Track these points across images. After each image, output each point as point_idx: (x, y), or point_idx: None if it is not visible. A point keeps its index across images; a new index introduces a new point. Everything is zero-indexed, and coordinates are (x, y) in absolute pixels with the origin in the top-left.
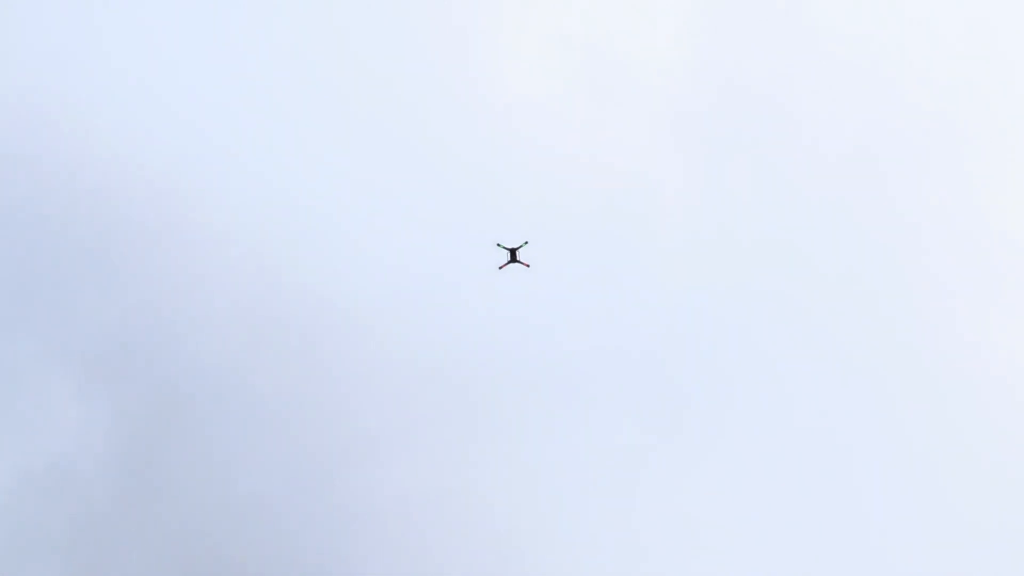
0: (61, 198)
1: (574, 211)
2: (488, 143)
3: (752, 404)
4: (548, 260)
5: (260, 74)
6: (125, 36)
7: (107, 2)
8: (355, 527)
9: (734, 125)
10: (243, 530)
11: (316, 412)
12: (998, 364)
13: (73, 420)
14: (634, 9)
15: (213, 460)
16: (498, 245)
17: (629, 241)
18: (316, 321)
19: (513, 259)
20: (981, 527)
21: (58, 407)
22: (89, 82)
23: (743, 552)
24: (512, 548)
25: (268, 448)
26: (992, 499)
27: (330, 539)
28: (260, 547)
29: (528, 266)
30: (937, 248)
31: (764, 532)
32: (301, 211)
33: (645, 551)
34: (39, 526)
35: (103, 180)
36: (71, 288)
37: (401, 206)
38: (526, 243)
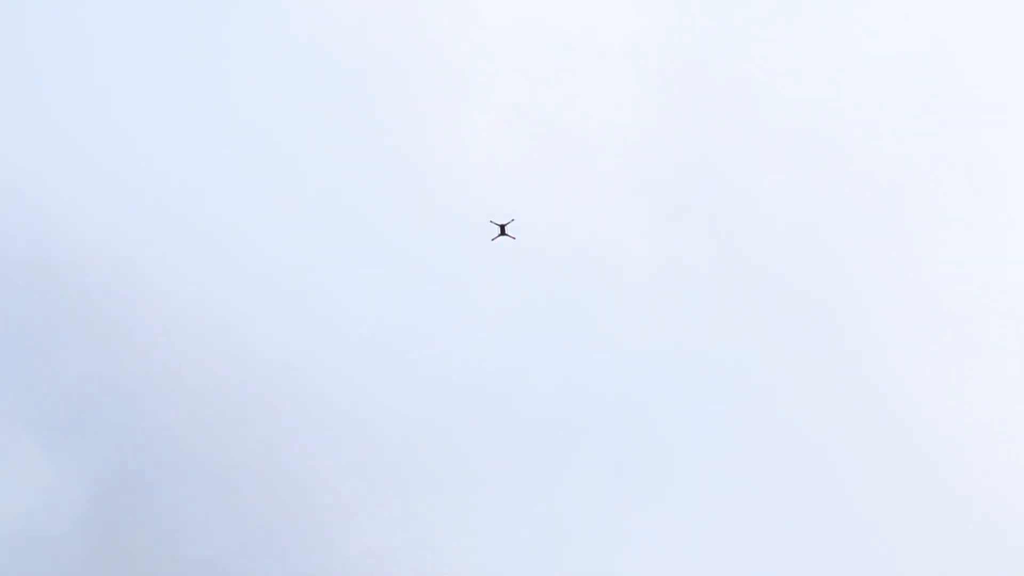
0: (27, 267)
1: (535, 277)
2: (447, 212)
3: (707, 466)
4: (511, 325)
5: (219, 145)
6: (84, 108)
7: (69, 77)
8: None
9: (690, 194)
10: None
11: (278, 476)
12: (945, 428)
13: (42, 483)
14: (591, 80)
15: (178, 522)
16: (491, 221)
17: (590, 306)
18: (276, 387)
19: (503, 233)
20: None
21: (27, 470)
22: (50, 153)
23: None
24: None
25: (231, 510)
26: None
27: None
28: None
29: (515, 238)
30: (882, 313)
31: None
32: (262, 281)
33: None
34: None
35: (69, 249)
36: (39, 355)
37: (362, 275)
38: (512, 220)
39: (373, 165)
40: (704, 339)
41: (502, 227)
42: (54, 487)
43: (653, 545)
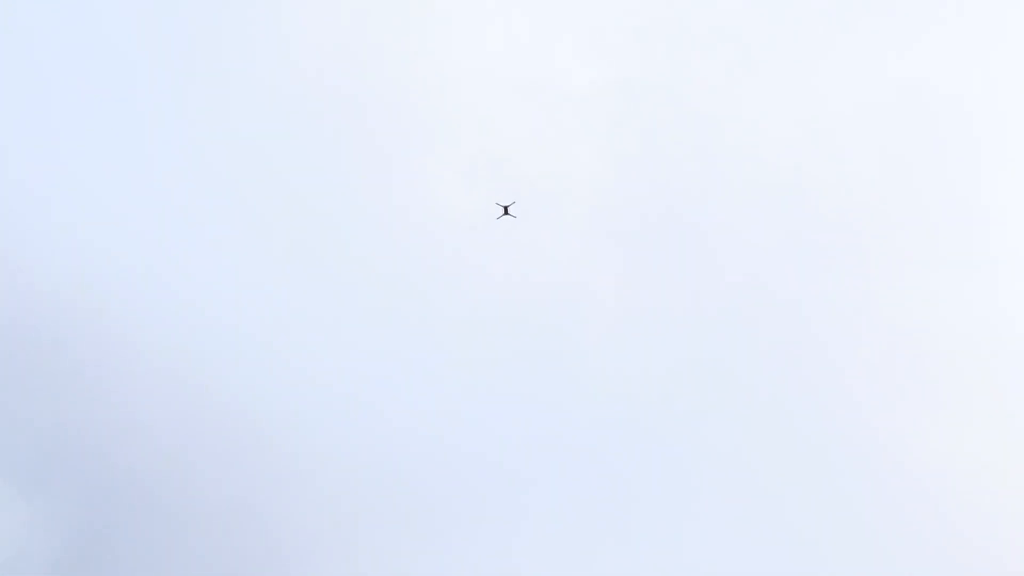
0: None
1: (503, 327)
2: (414, 263)
3: (670, 516)
4: (478, 375)
5: (185, 197)
6: (44, 163)
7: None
8: None
9: (656, 241)
10: None
11: (246, 522)
12: (910, 467)
13: (17, 526)
14: (555, 129)
15: (151, 560)
16: (496, 203)
17: (557, 356)
18: (244, 436)
19: (506, 213)
20: None
21: (2, 514)
22: (14, 206)
23: None
24: None
25: (204, 549)
26: None
27: None
28: None
29: (515, 217)
30: (849, 363)
31: None
32: (230, 332)
33: None
34: None
35: (42, 295)
36: (10, 404)
37: (327, 324)
38: (514, 202)
39: (339, 217)
40: (671, 389)
41: (505, 208)
42: (28, 533)
43: None
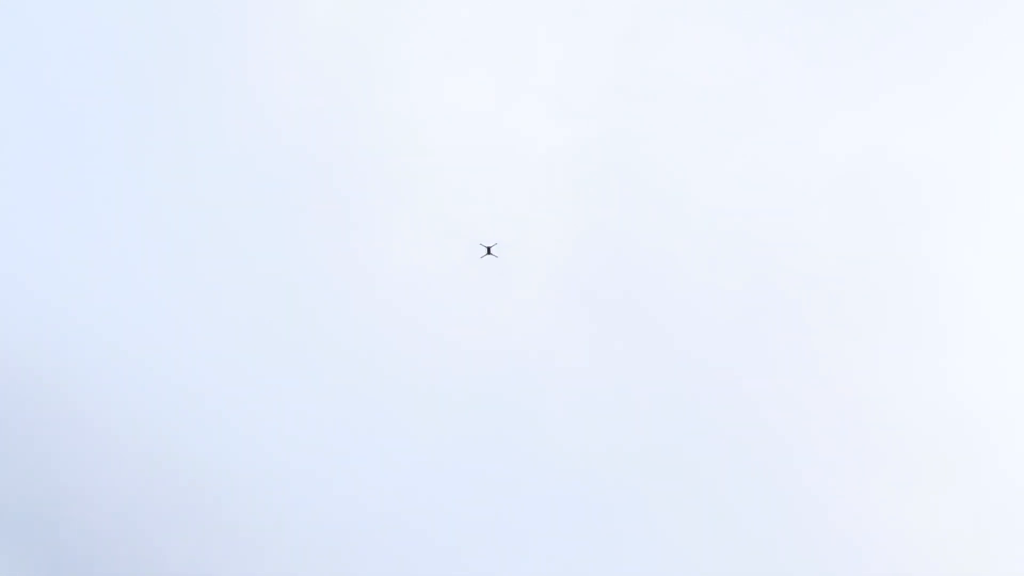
0: None
1: (465, 399)
2: (372, 327)
3: None
4: (442, 444)
5: (140, 259)
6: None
7: None
8: None
9: (624, 307)
10: None
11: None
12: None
13: None
14: (521, 190)
15: None
16: (480, 244)
17: (520, 426)
18: (209, 497)
19: (488, 252)
20: None
21: None
22: None
23: None
24: None
25: None
26: None
27: None
28: None
29: (497, 256)
30: (809, 419)
31: None
32: (192, 393)
33: None
34: None
35: None
36: None
37: (292, 395)
38: (496, 243)
39: (299, 284)
40: (632, 466)
41: (488, 248)
42: None
43: None
